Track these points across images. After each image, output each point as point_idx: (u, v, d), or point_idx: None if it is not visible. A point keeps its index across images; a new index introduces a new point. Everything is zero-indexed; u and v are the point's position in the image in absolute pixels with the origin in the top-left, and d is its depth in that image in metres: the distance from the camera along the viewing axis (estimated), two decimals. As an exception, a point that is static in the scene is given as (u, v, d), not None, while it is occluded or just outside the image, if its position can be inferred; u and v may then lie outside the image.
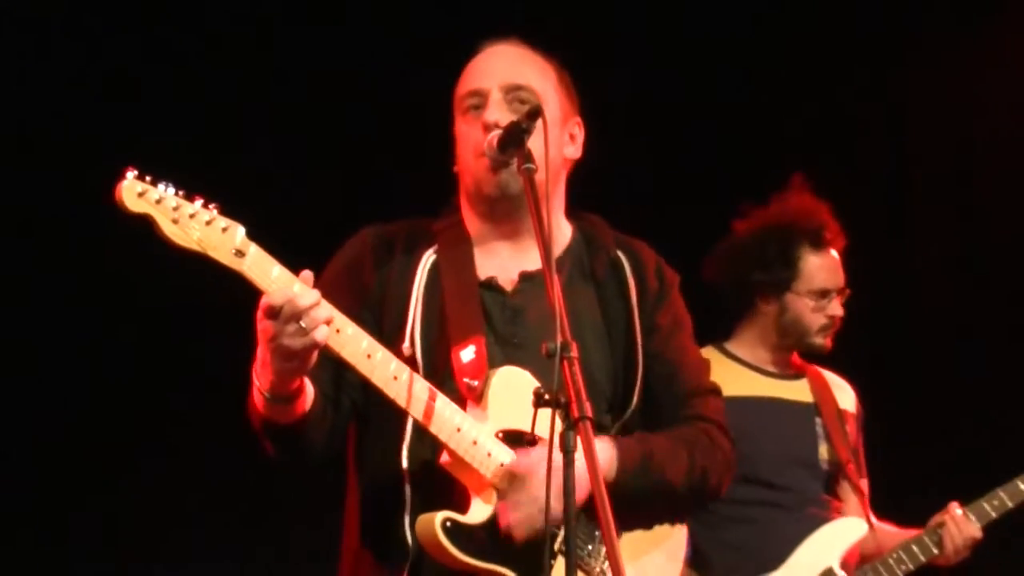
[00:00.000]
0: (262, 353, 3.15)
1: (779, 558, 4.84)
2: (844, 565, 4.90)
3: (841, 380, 5.15)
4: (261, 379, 3.20)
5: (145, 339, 5.57)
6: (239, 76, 5.62)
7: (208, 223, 3.04)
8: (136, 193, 2.97)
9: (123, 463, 5.56)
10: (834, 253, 5.04)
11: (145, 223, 3.00)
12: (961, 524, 4.97)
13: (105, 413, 5.54)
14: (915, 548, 4.98)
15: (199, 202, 3.04)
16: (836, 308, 5.01)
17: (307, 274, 3.15)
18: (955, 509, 5.00)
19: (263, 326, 3.10)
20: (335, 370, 3.37)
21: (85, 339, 5.51)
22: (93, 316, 5.52)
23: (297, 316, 3.07)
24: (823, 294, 4.99)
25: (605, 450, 3.39)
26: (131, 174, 2.98)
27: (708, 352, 5.01)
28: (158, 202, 2.99)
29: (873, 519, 5.05)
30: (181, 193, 3.02)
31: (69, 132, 5.39)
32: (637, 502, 3.42)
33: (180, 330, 5.56)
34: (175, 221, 3.01)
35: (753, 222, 5.10)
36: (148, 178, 2.99)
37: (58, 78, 5.46)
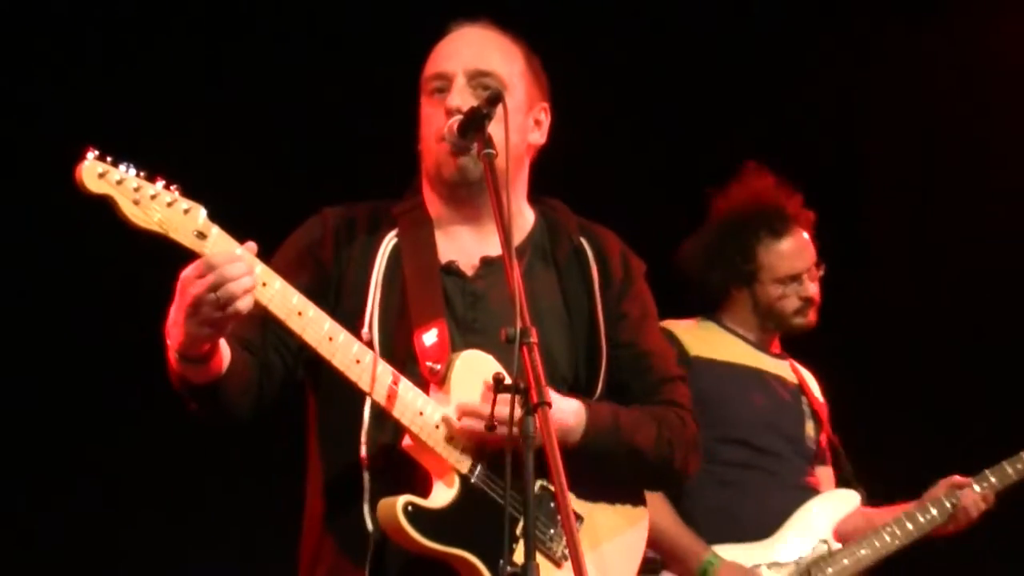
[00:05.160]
0: (176, 314, 3.09)
1: (765, 524, 4.81)
2: (837, 536, 4.88)
3: (810, 375, 5.14)
4: (172, 338, 3.14)
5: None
6: (200, 55, 5.60)
7: (169, 204, 3.01)
8: (97, 174, 2.94)
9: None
10: (801, 234, 5.00)
11: (105, 204, 2.96)
12: (976, 494, 4.94)
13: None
14: (920, 518, 4.92)
15: (160, 183, 3.01)
16: (808, 288, 4.98)
17: (251, 245, 3.12)
18: (963, 479, 4.95)
19: (193, 288, 3.03)
20: (275, 335, 3.33)
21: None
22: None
23: (228, 281, 3.01)
24: (791, 279, 4.97)
25: (575, 409, 3.40)
26: (91, 154, 2.95)
27: (701, 323, 5.03)
28: (119, 183, 2.96)
29: None
30: (142, 174, 2.99)
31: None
32: (604, 463, 3.44)
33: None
34: (136, 202, 2.98)
35: (710, 219, 5.07)
36: (108, 159, 2.96)
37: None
